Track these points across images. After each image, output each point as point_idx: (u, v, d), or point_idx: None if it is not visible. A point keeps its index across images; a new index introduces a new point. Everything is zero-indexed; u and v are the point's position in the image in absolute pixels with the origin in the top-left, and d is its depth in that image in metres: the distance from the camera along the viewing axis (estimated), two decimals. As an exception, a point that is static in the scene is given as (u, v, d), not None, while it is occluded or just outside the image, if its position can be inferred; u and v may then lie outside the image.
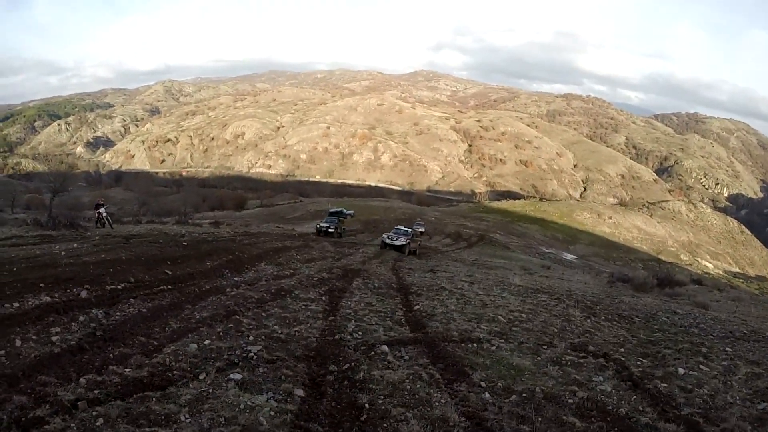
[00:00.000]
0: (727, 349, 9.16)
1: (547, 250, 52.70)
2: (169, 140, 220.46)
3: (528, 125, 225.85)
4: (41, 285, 9.48)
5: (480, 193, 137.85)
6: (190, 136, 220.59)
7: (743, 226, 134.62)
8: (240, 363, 6.17)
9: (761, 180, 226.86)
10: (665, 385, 6.92)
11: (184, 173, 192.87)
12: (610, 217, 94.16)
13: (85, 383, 5.14)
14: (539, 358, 7.36)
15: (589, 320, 10.65)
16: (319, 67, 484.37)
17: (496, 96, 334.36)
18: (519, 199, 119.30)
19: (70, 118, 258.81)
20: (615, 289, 18.12)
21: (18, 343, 6.27)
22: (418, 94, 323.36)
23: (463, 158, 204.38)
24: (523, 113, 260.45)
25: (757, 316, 14.82)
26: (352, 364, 6.49)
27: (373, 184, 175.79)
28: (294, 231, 34.87)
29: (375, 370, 6.30)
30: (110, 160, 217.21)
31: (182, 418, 4.53)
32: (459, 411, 5.38)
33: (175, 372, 5.68)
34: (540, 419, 5.32)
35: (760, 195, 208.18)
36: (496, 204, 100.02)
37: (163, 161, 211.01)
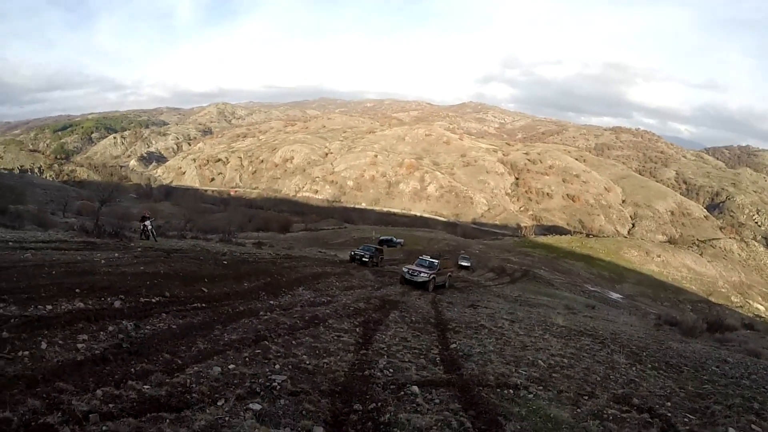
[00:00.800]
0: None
1: (592, 289, 50.94)
2: (219, 160, 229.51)
3: (576, 159, 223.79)
4: (77, 291, 9.72)
5: (526, 227, 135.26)
6: (240, 157, 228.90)
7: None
8: (262, 392, 5.99)
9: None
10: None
11: (232, 193, 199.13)
12: (659, 255, 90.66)
13: (101, 395, 5.09)
14: (579, 411, 6.79)
15: (634, 368, 9.95)
16: (368, 96, 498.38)
17: (544, 129, 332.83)
18: (565, 234, 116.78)
19: (126, 133, 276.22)
20: (662, 333, 17.08)
21: (43, 345, 6.34)
22: (466, 125, 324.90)
23: (509, 191, 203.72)
24: (571, 146, 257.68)
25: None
26: (379, 404, 6.17)
27: (418, 214, 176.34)
28: (336, 257, 34.98)
29: (402, 412, 5.95)
30: (161, 175, 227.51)
31: (192, 445, 4.36)
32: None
33: (194, 395, 5.56)
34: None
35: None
36: (541, 239, 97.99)
37: (212, 180, 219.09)
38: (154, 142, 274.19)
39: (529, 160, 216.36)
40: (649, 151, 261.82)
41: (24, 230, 23.45)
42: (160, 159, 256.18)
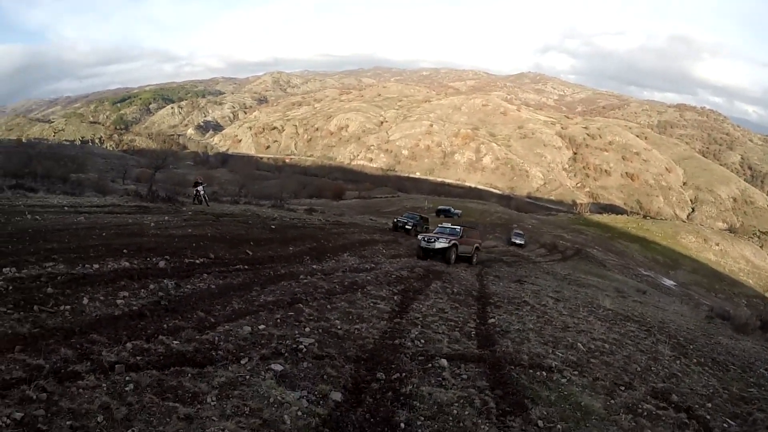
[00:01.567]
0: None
1: (645, 273, 48.93)
2: (275, 128, 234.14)
3: (637, 136, 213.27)
4: (124, 251, 10.24)
5: (581, 204, 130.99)
6: (296, 125, 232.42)
7: None
8: (286, 354, 6.12)
9: None
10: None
11: (287, 160, 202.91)
12: (718, 244, 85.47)
13: (130, 348, 5.36)
14: (612, 402, 6.46)
15: (678, 362, 9.39)
16: (423, 65, 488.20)
17: (605, 102, 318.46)
18: (622, 214, 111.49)
19: (183, 103, 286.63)
20: (713, 327, 16.13)
21: (85, 301, 6.74)
22: (524, 96, 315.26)
23: (566, 166, 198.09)
24: (632, 122, 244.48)
25: None
26: (403, 374, 6.14)
27: (472, 185, 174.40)
28: (387, 225, 35.12)
29: (425, 385, 5.90)
30: (218, 143, 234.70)
31: (208, 400, 4.52)
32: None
33: (219, 352, 5.75)
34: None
35: None
36: (597, 217, 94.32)
37: (268, 147, 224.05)
38: (210, 111, 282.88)
39: (588, 134, 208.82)
40: (714, 132, 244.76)
41: (83, 196, 24.75)
42: (217, 127, 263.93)
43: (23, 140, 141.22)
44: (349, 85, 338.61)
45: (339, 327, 7.69)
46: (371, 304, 9.65)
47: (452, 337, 8.21)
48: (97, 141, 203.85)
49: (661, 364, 8.89)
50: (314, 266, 13.08)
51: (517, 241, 43.65)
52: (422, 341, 7.67)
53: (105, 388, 4.40)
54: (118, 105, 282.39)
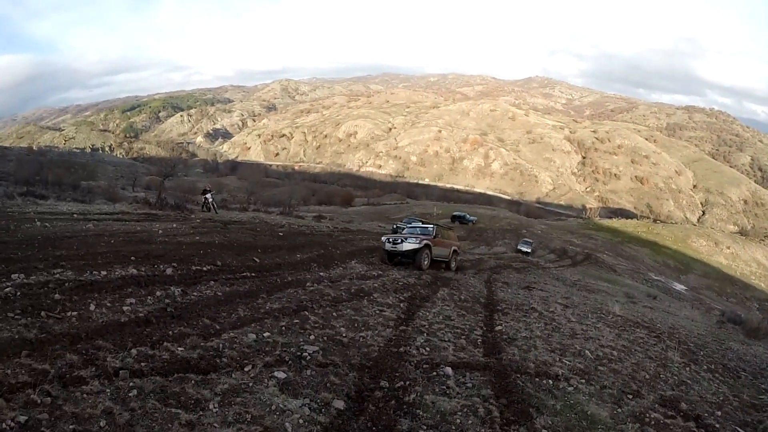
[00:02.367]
0: None
1: (655, 278, 48.56)
2: (283, 135, 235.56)
3: (646, 139, 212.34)
4: (132, 258, 10.34)
5: (591, 208, 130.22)
6: (304, 132, 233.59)
7: None
8: (290, 361, 6.15)
9: None
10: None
11: (296, 167, 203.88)
12: (728, 247, 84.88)
13: (135, 354, 5.43)
14: (620, 410, 6.40)
15: (688, 368, 9.28)
16: (431, 71, 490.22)
17: (613, 105, 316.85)
18: (632, 218, 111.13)
19: (192, 111, 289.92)
20: (724, 332, 15.95)
21: (92, 307, 6.83)
22: (532, 101, 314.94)
23: (575, 170, 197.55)
24: (641, 125, 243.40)
25: None
26: (407, 383, 6.14)
27: (481, 191, 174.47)
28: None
29: (429, 394, 5.91)
30: (227, 150, 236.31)
31: (210, 407, 4.58)
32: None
33: (223, 359, 5.80)
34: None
35: None
36: (606, 222, 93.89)
37: (277, 155, 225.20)
38: (219, 119, 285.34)
39: (597, 138, 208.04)
40: (723, 133, 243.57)
41: (93, 204, 25.01)
42: (226, 135, 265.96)
43: (34, 148, 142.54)
44: (357, 91, 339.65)
45: (344, 335, 7.70)
46: (377, 312, 9.65)
47: (458, 345, 8.19)
48: (107, 149, 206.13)
49: (670, 371, 8.81)
50: (321, 273, 13.12)
51: (524, 249, 42.59)
52: (427, 349, 7.65)
53: (109, 394, 4.47)
54: (128, 113, 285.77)
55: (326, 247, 19.01)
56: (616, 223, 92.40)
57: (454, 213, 65.53)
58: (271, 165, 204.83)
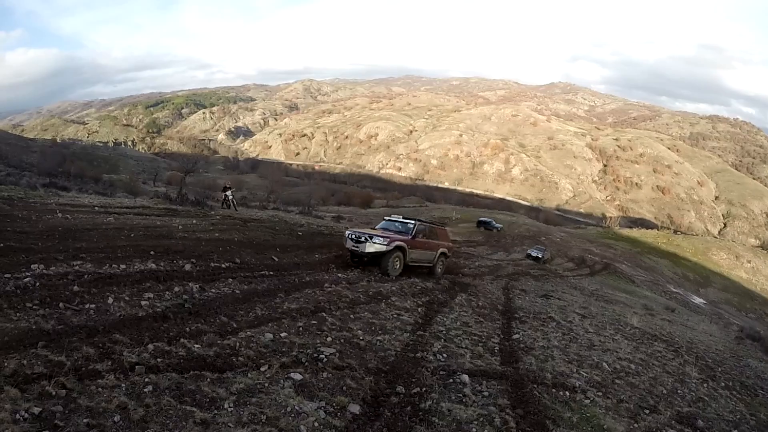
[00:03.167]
0: None
1: (674, 290, 47.66)
2: (305, 135, 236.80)
3: (668, 148, 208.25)
4: (151, 253, 10.43)
5: (611, 217, 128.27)
6: (325, 133, 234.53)
7: None
8: (306, 363, 6.12)
9: None
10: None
11: (316, 167, 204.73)
12: (749, 261, 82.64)
13: (152, 349, 5.44)
14: (636, 425, 6.27)
15: (705, 385, 9.12)
16: (453, 75, 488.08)
17: (636, 113, 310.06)
18: (652, 228, 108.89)
19: (215, 108, 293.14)
20: (742, 348, 15.61)
21: (110, 300, 6.87)
22: (554, 106, 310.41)
23: (596, 178, 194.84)
24: (664, 134, 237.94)
25: None
26: (423, 389, 6.08)
27: (500, 196, 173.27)
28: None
29: (445, 401, 5.84)
30: (248, 148, 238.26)
31: (225, 406, 4.55)
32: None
33: (240, 358, 5.78)
34: None
35: None
36: (626, 231, 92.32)
37: (297, 154, 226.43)
38: (241, 117, 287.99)
39: (618, 146, 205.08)
40: (747, 144, 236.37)
41: (114, 197, 25.37)
42: (247, 133, 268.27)
43: (58, 140, 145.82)
44: (379, 93, 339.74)
45: (361, 338, 7.66)
46: (395, 316, 9.60)
47: (475, 353, 8.11)
48: (129, 143, 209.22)
49: (687, 387, 8.71)
50: (339, 274, 13.08)
51: (534, 254, 39.75)
52: (444, 355, 7.59)
53: (124, 389, 4.47)
54: (151, 109, 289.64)
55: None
56: (635, 233, 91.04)
57: (480, 218, 64.37)
58: (291, 164, 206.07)
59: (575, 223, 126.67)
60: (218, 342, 6.13)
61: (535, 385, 6.95)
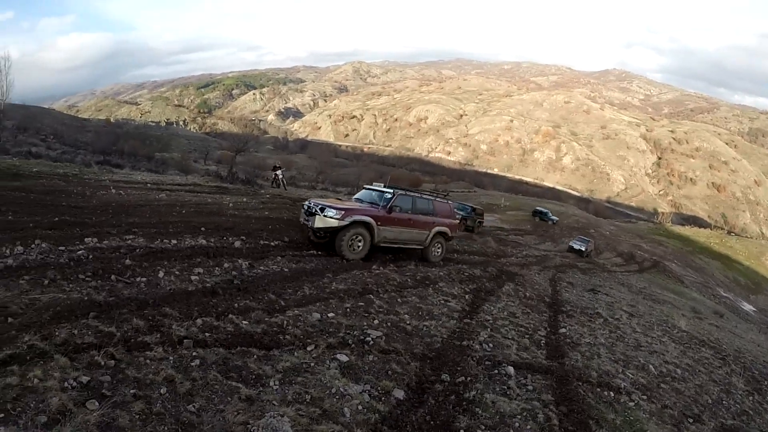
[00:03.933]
0: None
1: (724, 294, 45.32)
2: (354, 117, 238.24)
3: (726, 143, 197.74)
4: (202, 229, 10.63)
5: (663, 213, 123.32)
6: (375, 115, 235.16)
7: None
8: (353, 345, 6.07)
9: None
10: None
11: (365, 149, 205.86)
12: None
13: (200, 324, 5.49)
14: None
15: (751, 398, 8.59)
16: (505, 59, 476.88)
17: (693, 105, 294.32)
18: (705, 227, 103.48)
19: (265, 89, 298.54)
20: None
21: (161, 274, 7.01)
22: (608, 94, 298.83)
23: (649, 171, 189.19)
24: (721, 128, 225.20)
25: None
26: (468, 378, 5.94)
27: (550, 185, 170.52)
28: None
29: (489, 392, 5.70)
30: (298, 129, 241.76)
31: (271, 383, 4.54)
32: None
33: (287, 336, 5.78)
34: None
35: None
36: (678, 229, 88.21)
37: (346, 136, 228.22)
38: (291, 98, 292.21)
39: (674, 138, 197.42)
40: None
41: (165, 174, 26.08)
42: (297, 114, 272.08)
43: (111, 120, 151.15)
44: (429, 76, 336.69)
45: (408, 322, 7.56)
46: (442, 301, 9.46)
47: (521, 344, 7.91)
48: (181, 123, 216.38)
49: (733, 398, 8.29)
50: (386, 257, 13.00)
51: (577, 247, 35.83)
52: (490, 345, 7.42)
53: (171, 362, 4.51)
54: (202, 90, 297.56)
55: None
56: (688, 230, 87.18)
57: (537, 208, 62.67)
58: (340, 145, 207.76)
59: (625, 216, 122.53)
60: (266, 319, 6.15)
61: (580, 383, 6.77)
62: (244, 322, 5.90)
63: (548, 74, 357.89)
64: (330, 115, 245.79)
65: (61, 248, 7.32)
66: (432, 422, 4.76)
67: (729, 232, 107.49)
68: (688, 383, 8.29)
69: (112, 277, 6.48)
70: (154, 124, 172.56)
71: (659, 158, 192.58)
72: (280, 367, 4.92)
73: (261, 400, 4.24)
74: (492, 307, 10.07)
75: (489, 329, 8.34)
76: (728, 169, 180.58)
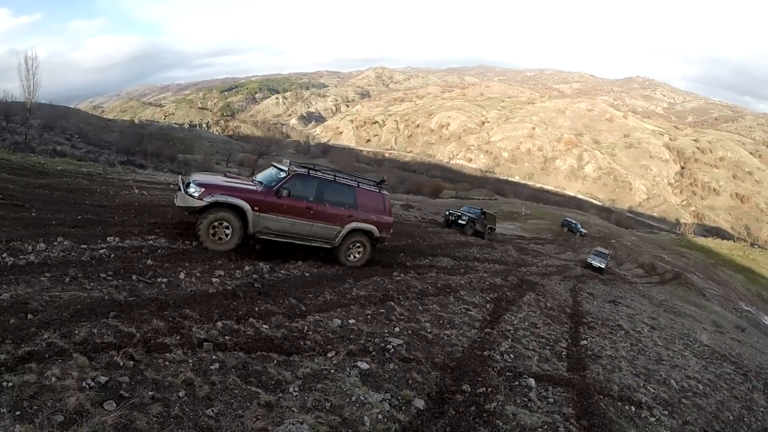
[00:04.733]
0: None
1: (746, 308, 44.03)
2: (376, 122, 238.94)
3: (751, 153, 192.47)
4: (223, 231, 10.61)
5: (686, 224, 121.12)
6: (397, 120, 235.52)
7: None
8: (374, 352, 6.02)
9: None
10: None
11: (387, 155, 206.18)
12: None
13: (221, 327, 5.48)
14: None
15: None
16: (527, 66, 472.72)
17: (717, 113, 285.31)
18: (728, 239, 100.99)
19: (287, 94, 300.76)
20: None
21: (182, 276, 7.03)
22: (632, 102, 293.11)
23: (672, 181, 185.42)
24: (746, 137, 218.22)
25: None
26: (489, 389, 5.87)
27: (572, 194, 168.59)
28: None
29: (510, 404, 5.62)
30: (320, 133, 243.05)
31: (290, 390, 4.50)
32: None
33: (307, 342, 5.75)
34: None
35: None
36: (701, 240, 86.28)
37: (368, 141, 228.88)
38: (313, 103, 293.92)
39: (698, 148, 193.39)
40: None
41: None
42: (319, 119, 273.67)
43: (136, 121, 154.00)
44: (452, 83, 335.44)
45: (429, 330, 7.49)
46: (463, 310, 9.38)
47: (542, 356, 7.84)
48: (204, 125, 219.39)
49: (754, 415, 8.20)
50: (407, 264, 12.94)
51: (596, 264, 29.54)
52: (512, 356, 7.35)
53: (191, 364, 4.49)
54: (226, 93, 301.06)
55: (414, 237, 18.84)
56: (710, 242, 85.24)
57: (566, 218, 61.92)
58: (361, 150, 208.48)
59: (647, 227, 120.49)
60: (286, 324, 6.13)
61: (601, 397, 6.71)
62: (265, 326, 5.89)
63: (571, 81, 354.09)
64: (352, 120, 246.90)
65: (83, 246, 7.37)
66: (453, 434, 4.66)
67: (752, 244, 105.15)
68: (710, 399, 8.21)
69: (133, 276, 6.51)
70: (177, 126, 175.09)
71: (682, 168, 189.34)
72: (300, 373, 4.88)
73: (280, 407, 4.20)
74: (513, 317, 9.98)
75: (510, 339, 8.26)
76: (753, 180, 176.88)
